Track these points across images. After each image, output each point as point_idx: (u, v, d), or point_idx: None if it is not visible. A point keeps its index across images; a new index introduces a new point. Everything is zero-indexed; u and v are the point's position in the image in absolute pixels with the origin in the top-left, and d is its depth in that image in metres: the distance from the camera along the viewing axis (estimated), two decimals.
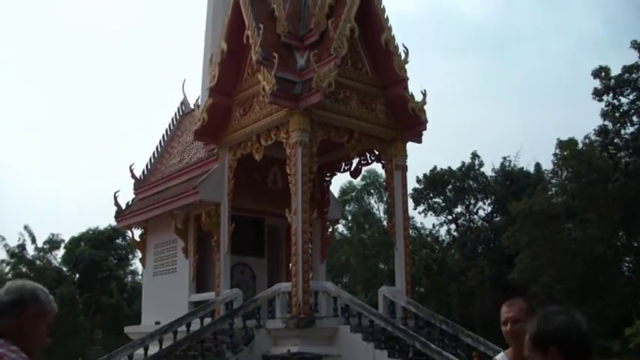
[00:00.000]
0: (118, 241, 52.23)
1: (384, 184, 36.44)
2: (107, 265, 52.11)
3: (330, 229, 25.22)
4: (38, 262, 51.42)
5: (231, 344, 18.40)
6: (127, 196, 30.21)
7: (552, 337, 2.75)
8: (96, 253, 49.87)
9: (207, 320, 19.28)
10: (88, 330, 48.09)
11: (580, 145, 41.02)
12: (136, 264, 52.46)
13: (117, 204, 26.53)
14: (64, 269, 52.23)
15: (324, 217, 23.98)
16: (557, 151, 41.96)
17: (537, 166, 49.52)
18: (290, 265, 19.73)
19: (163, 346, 18.38)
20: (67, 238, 52.57)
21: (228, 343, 18.45)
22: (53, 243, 52.11)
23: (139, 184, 26.77)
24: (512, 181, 48.74)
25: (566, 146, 41.02)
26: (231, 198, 21.40)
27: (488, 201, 49.41)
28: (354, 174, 23.95)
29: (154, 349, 18.64)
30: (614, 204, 37.31)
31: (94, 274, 50.45)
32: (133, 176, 26.97)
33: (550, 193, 42.86)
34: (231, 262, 22.08)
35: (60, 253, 52.60)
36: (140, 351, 19.03)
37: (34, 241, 51.13)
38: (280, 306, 19.23)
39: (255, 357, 18.27)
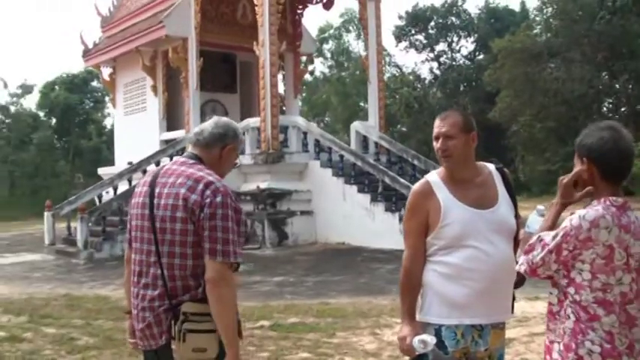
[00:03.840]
0: (93, 83, 50.51)
1: None
2: (83, 108, 50.75)
3: (304, 64, 24.44)
4: (12, 107, 50.48)
5: None
6: (97, 35, 28.93)
7: (587, 150, 2.86)
8: (71, 97, 48.28)
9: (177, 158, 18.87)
10: (68, 174, 47.82)
11: None
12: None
13: (83, 43, 25.63)
14: (40, 114, 51.20)
15: (297, 52, 23.21)
16: None
17: (522, 4, 48.23)
18: None
19: (132, 185, 18.22)
20: (41, 84, 51.28)
21: None
22: (26, 88, 50.67)
23: (106, 22, 25.77)
24: (496, 19, 47.46)
25: None
26: (198, 32, 20.54)
27: (471, 39, 48.20)
28: (327, 5, 22.84)
29: (123, 187, 18.44)
30: (599, 43, 36.32)
31: (71, 118, 49.25)
32: (99, 14, 25.93)
33: (534, 31, 41.77)
34: (202, 99, 21.62)
35: (35, 98, 51.28)
36: (110, 190, 18.89)
37: (5, 86, 49.93)
38: (250, 142, 18.79)
39: None
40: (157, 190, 3.28)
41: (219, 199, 3.15)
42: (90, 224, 17.09)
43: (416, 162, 18.51)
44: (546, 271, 2.84)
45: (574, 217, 2.77)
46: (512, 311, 3.60)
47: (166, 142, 21.43)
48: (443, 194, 3.43)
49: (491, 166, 3.62)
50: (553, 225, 2.89)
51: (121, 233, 16.99)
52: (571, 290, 2.78)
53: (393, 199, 16.32)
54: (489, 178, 3.55)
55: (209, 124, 3.48)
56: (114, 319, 9.01)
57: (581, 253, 2.74)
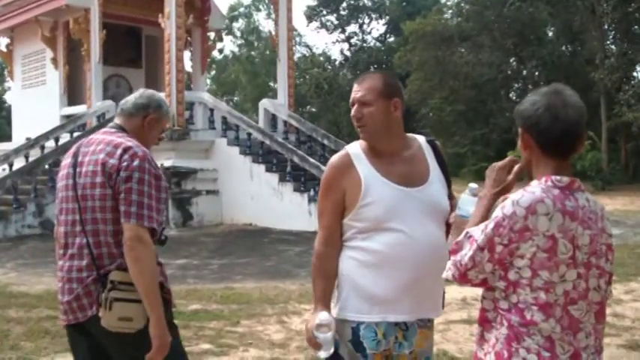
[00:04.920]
0: None
1: None
2: None
3: (212, 41, 23.70)
4: None
5: None
6: None
7: (521, 117, 2.35)
8: None
9: (78, 134, 18.01)
10: None
11: None
12: None
13: None
14: None
15: (205, 27, 22.43)
16: None
17: None
18: None
19: (29, 161, 17.29)
20: None
21: None
22: None
23: None
24: (407, 2, 47.69)
25: None
26: (102, 3, 19.60)
27: (383, 21, 48.41)
28: None
29: (19, 164, 17.47)
30: (508, 29, 36.88)
31: None
32: None
33: (445, 15, 42.05)
34: (105, 74, 20.73)
35: None
36: (5, 166, 17.87)
37: None
38: None
39: None
40: (79, 159, 3.27)
41: (136, 163, 3.14)
42: None
43: (325, 141, 18.12)
44: (479, 274, 2.28)
45: (506, 204, 2.24)
46: (443, 306, 3.11)
47: (67, 117, 20.43)
48: (364, 168, 2.93)
49: (421, 139, 3.16)
50: (484, 220, 2.33)
51: (15, 212, 16.09)
52: (510, 293, 2.25)
53: (301, 179, 15.89)
54: (419, 152, 3.08)
55: (134, 95, 3.50)
56: None
57: (519, 247, 2.19)
